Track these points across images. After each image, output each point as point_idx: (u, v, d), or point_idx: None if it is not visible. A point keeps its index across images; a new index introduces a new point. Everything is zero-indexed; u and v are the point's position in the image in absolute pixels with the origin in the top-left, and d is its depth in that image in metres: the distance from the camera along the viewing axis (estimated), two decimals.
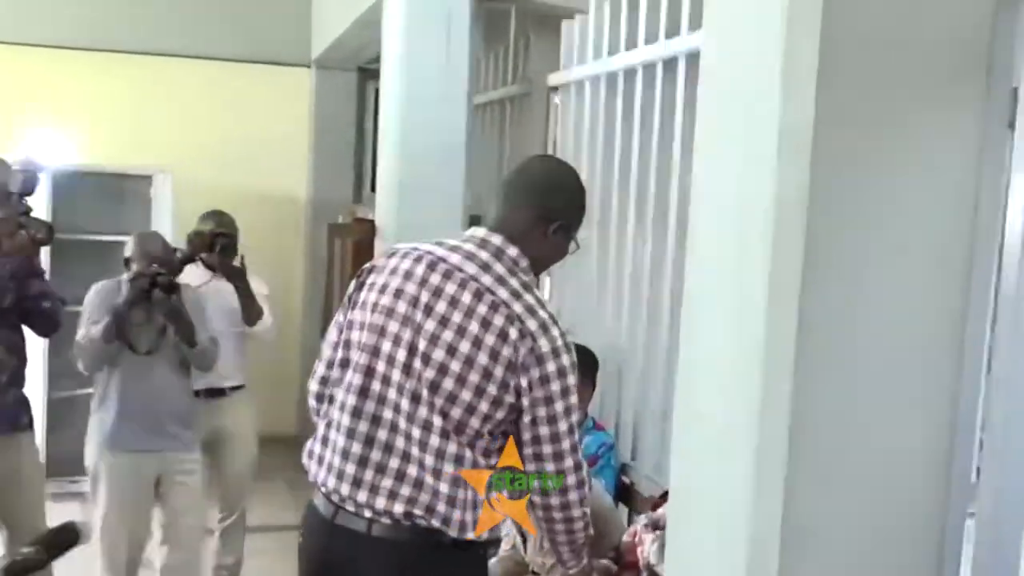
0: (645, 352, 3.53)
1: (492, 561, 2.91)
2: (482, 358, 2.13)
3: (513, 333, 2.13)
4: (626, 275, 3.63)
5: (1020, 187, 1.71)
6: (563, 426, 2.18)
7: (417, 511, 2.17)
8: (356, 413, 2.23)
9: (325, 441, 2.29)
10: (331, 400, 2.31)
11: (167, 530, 3.92)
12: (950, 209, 1.73)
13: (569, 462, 2.21)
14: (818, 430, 1.64)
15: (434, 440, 2.16)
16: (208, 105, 6.44)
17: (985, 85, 1.71)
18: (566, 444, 2.19)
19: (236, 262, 4.28)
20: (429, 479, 2.16)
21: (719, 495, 1.78)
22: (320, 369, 2.37)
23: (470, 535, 2.19)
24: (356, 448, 2.21)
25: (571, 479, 2.22)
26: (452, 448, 2.17)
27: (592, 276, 3.90)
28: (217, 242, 4.30)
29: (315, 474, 2.31)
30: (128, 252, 3.85)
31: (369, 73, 6.72)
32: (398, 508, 2.17)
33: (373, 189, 6.65)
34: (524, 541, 3.18)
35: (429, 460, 2.17)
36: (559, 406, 2.16)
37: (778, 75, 1.51)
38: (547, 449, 2.19)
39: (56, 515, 3.05)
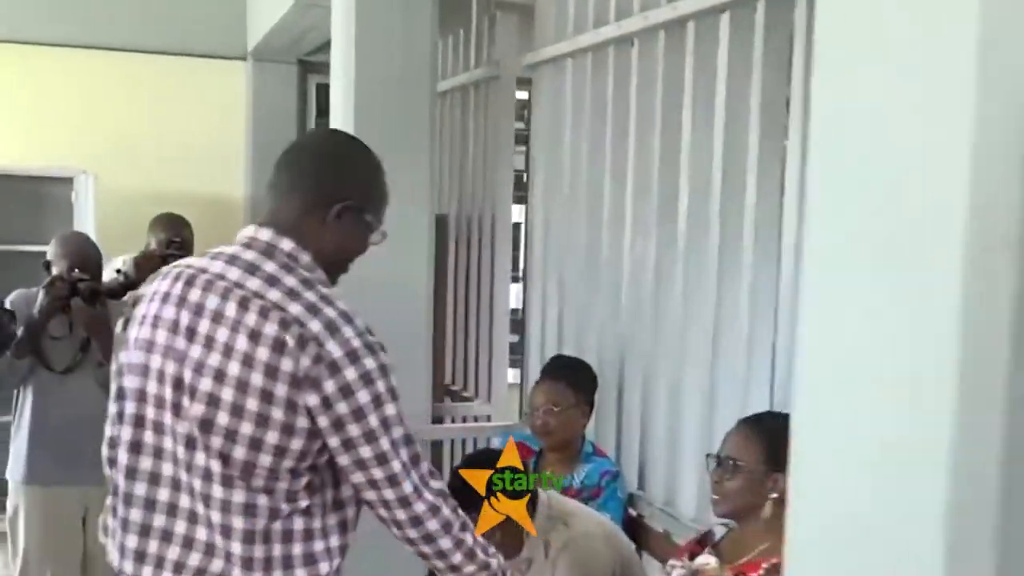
0: (648, 366, 3.10)
1: None
2: (256, 378, 1.75)
3: (290, 341, 1.74)
4: (624, 276, 3.20)
5: None
6: (385, 444, 1.81)
7: None
8: (131, 474, 1.89)
9: (114, 512, 1.94)
10: (113, 464, 1.96)
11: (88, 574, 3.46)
12: None
13: (408, 487, 1.85)
14: None
15: (216, 491, 1.80)
16: (134, 102, 5.93)
17: None
18: (396, 465, 1.83)
19: None
20: (219, 540, 1.81)
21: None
22: (107, 429, 1.99)
23: None
24: (136, 515, 1.88)
25: (419, 507, 1.87)
26: (239, 497, 1.80)
27: (580, 278, 3.46)
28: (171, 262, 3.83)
29: (111, 556, 1.95)
30: (49, 255, 3.36)
31: (310, 66, 6.29)
32: None
33: None
34: None
35: (216, 517, 1.81)
36: (373, 420, 1.79)
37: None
38: (377, 473, 1.82)
39: None
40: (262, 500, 1.80)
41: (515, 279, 4.35)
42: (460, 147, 4.52)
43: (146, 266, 3.79)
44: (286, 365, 1.74)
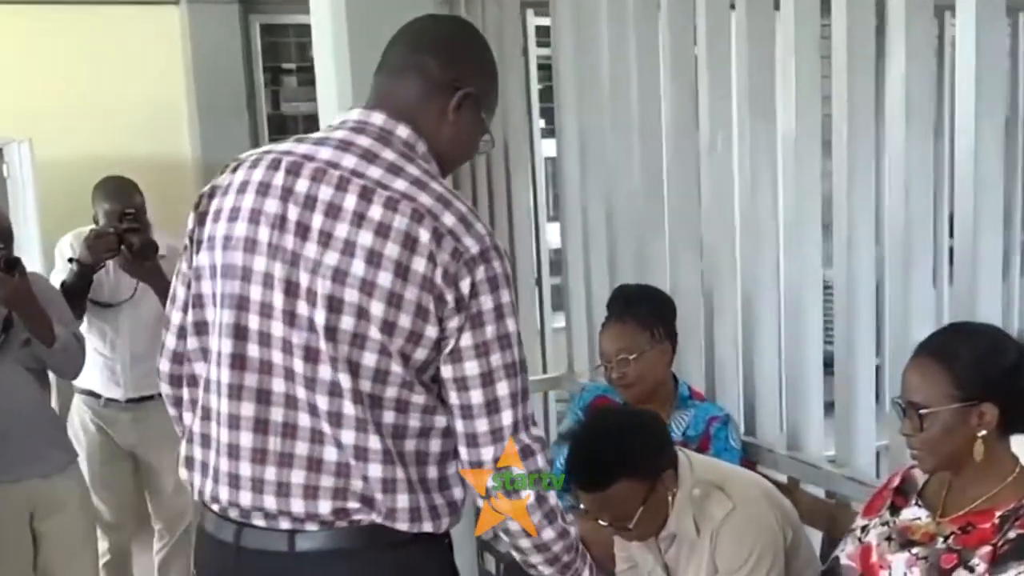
0: (748, 285, 2.69)
1: None
2: (384, 278, 1.54)
3: (424, 235, 1.54)
4: (702, 188, 2.77)
5: None
6: (497, 360, 1.57)
7: (352, 504, 1.60)
8: (235, 393, 1.62)
9: (205, 441, 1.68)
10: (194, 382, 1.71)
11: None
12: None
13: (508, 418, 1.59)
14: None
15: (348, 408, 1.57)
16: (62, 60, 5.28)
17: None
18: (503, 389, 1.58)
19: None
20: (353, 461, 1.59)
21: None
22: (169, 342, 1.75)
23: (427, 527, 1.63)
24: (246, 440, 1.62)
25: (519, 444, 1.60)
26: (372, 415, 1.58)
27: (637, 202, 3.02)
28: (130, 240, 3.32)
29: (200, 488, 1.70)
30: None
31: (251, 5, 5.65)
32: (324, 506, 1.60)
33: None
34: None
35: (348, 436, 1.58)
36: (491, 331, 1.57)
37: None
38: (476, 397, 1.58)
39: None
40: (392, 417, 1.59)
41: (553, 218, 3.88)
42: None
43: (100, 246, 3.31)
44: (418, 264, 1.54)
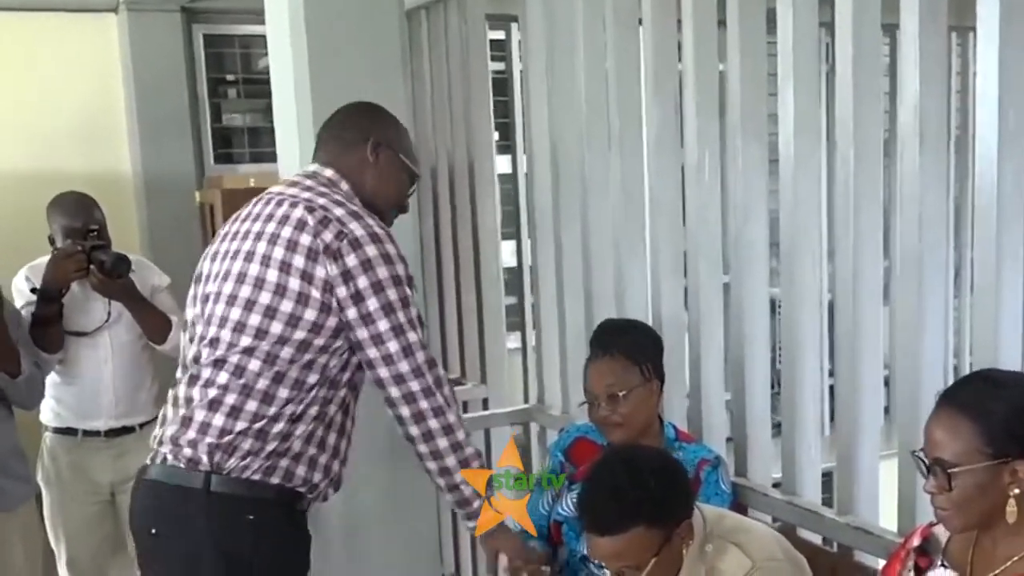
0: (737, 317, 2.53)
1: None
2: (278, 252, 2.07)
3: (311, 220, 2.06)
4: (690, 212, 2.60)
5: None
6: (402, 316, 2.09)
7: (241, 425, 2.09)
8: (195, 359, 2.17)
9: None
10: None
11: None
12: None
13: (421, 357, 2.11)
14: None
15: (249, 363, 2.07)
16: None
17: None
18: (412, 336, 2.10)
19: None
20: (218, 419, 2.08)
21: None
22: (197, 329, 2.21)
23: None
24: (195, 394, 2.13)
25: (415, 384, 2.10)
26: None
27: (613, 222, 2.86)
28: (100, 258, 3.12)
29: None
30: None
31: (194, 15, 5.41)
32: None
33: (220, 160, 5.44)
34: None
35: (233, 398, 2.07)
36: (392, 294, 2.06)
37: None
38: (393, 346, 2.08)
39: None
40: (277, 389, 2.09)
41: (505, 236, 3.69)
42: (430, 78, 3.76)
43: (69, 267, 3.08)
44: (305, 239, 2.05)
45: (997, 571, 1.66)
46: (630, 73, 2.77)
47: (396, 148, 2.24)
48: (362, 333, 2.05)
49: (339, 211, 2.05)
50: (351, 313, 2.03)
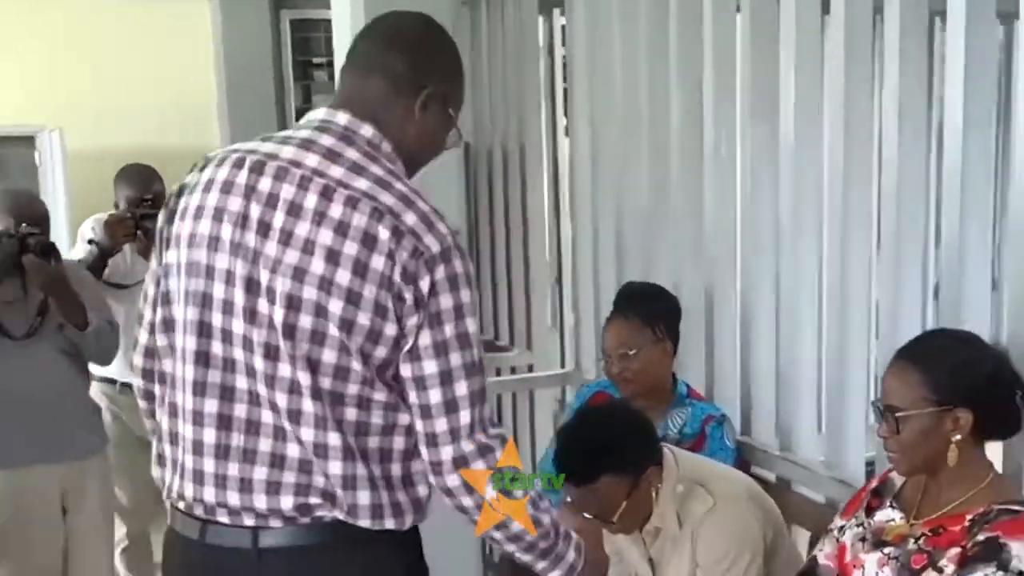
0: (746, 289, 2.72)
1: None
2: (342, 276, 1.55)
3: (383, 233, 1.55)
4: (706, 191, 2.80)
5: None
6: (456, 360, 1.60)
7: (313, 500, 1.61)
8: (199, 389, 1.63)
9: (173, 438, 1.70)
10: (163, 379, 1.72)
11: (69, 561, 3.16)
12: None
13: (466, 417, 1.61)
14: None
15: (306, 404, 1.58)
16: (96, 51, 5.49)
17: None
18: (462, 389, 1.60)
19: None
20: (314, 458, 1.61)
21: None
22: (142, 338, 1.76)
23: (389, 524, 1.64)
24: (210, 436, 1.63)
25: (467, 446, 1.62)
26: (331, 412, 1.59)
27: (645, 204, 3.06)
28: (147, 227, 3.38)
29: (169, 485, 1.72)
30: None
31: (281, 1, 5.78)
32: (287, 502, 1.61)
33: None
34: None
35: (307, 434, 1.59)
36: (449, 330, 1.59)
37: None
38: (435, 396, 1.60)
39: None
40: (354, 414, 1.60)
41: None
42: (485, 61, 4.02)
43: (119, 230, 3.41)
44: (376, 262, 1.55)
45: (938, 513, 1.84)
46: (660, 59, 2.95)
47: (450, 102, 1.76)
48: (429, 367, 1.62)
49: (410, 217, 1.59)
50: (424, 339, 1.61)
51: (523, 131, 3.74)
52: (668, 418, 2.67)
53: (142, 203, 3.50)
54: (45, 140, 4.84)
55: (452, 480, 1.64)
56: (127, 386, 3.57)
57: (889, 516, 1.91)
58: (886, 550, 1.86)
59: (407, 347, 1.59)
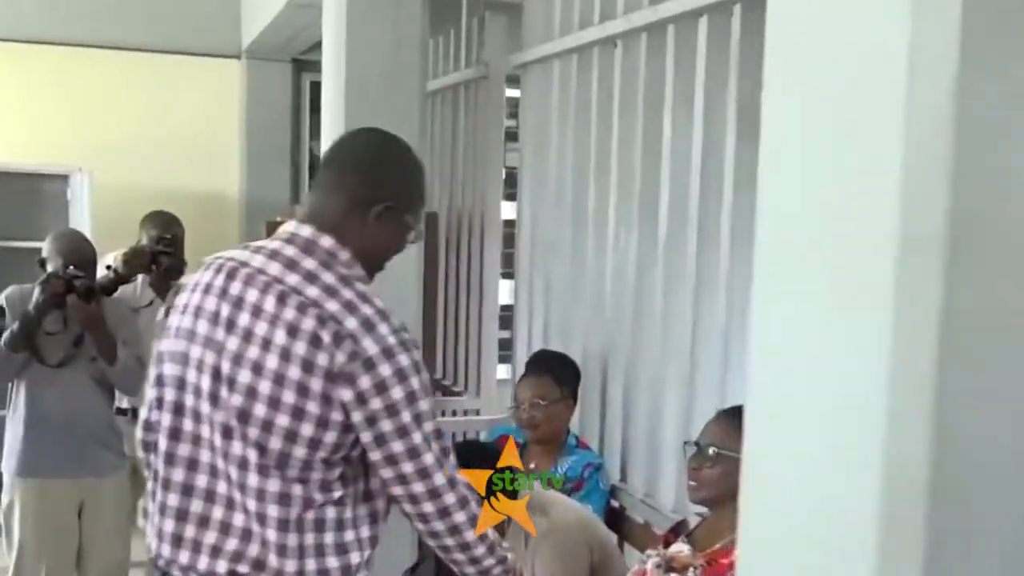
0: (630, 361, 3.17)
1: None
2: (293, 372, 1.79)
3: (326, 336, 1.78)
4: (607, 272, 3.26)
5: None
6: (417, 438, 1.85)
7: (242, 568, 1.87)
8: (170, 460, 1.93)
9: (154, 498, 1.98)
10: (155, 448, 1.98)
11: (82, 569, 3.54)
12: None
13: (439, 478, 1.88)
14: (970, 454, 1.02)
15: (252, 479, 1.85)
16: (129, 99, 5.98)
17: None
18: (428, 459, 1.86)
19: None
20: (255, 527, 1.86)
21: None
22: (143, 412, 2.01)
23: None
24: (173, 500, 1.92)
25: (449, 498, 1.90)
26: (274, 486, 1.84)
27: (567, 275, 3.53)
28: (160, 261, 3.89)
29: (149, 540, 2.00)
30: (44, 252, 3.43)
31: (304, 64, 6.35)
32: (221, 567, 1.88)
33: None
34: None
35: (252, 504, 1.85)
36: (406, 416, 1.83)
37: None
38: (408, 467, 1.86)
39: None
40: (296, 489, 1.85)
41: (508, 275, 4.39)
42: (450, 146, 4.59)
43: (135, 261, 3.87)
44: (322, 359, 1.78)
45: (719, 544, 2.28)
46: (581, 154, 3.44)
47: (405, 208, 1.98)
48: (375, 455, 1.86)
49: (351, 323, 1.79)
50: (365, 436, 1.84)
51: (485, 201, 4.24)
52: (557, 462, 3.15)
53: (160, 240, 4.01)
54: (77, 178, 5.34)
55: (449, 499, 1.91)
56: (120, 411, 3.86)
57: (680, 548, 2.36)
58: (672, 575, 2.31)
59: (372, 436, 1.83)
